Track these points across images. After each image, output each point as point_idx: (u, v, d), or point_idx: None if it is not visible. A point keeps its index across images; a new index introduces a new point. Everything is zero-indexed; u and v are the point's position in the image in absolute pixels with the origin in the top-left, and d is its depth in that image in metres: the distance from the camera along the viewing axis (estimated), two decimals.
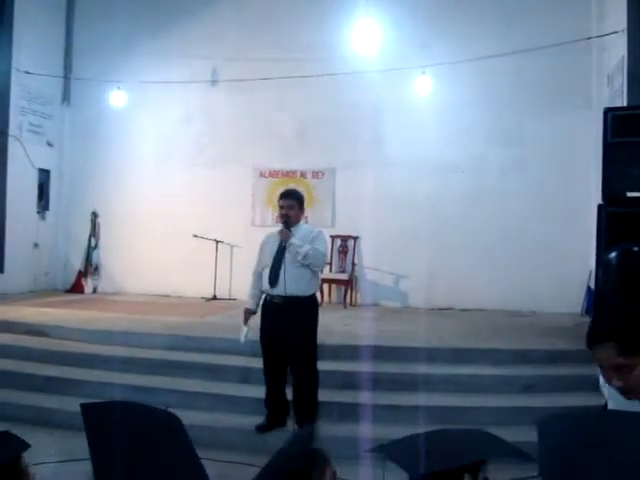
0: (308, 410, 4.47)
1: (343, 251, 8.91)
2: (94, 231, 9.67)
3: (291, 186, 6.66)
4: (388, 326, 6.86)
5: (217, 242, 9.04)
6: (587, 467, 1.23)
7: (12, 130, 8.78)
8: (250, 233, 8.24)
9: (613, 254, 4.94)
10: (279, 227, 4.71)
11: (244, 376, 5.32)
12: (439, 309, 8.31)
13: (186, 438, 1.42)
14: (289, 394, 4.63)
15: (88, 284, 9.56)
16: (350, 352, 5.49)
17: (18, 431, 1.47)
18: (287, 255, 4.49)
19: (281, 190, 4.97)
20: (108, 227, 9.66)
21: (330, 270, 8.64)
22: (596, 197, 5.97)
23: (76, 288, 9.47)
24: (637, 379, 1.86)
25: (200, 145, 9.42)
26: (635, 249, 4.90)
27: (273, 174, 9.27)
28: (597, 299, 5.67)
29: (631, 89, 6.51)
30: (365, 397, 4.78)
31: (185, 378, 5.37)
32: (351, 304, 8.69)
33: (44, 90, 9.38)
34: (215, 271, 8.98)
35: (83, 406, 1.45)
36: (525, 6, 8.33)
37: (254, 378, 5.03)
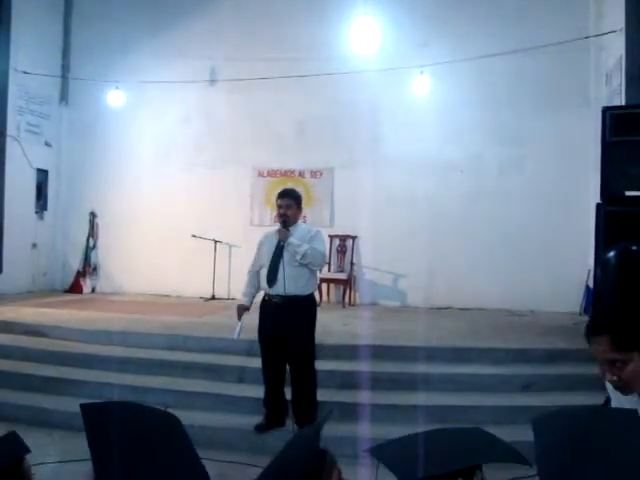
0: (307, 410, 4.47)
1: (342, 251, 8.91)
2: (92, 231, 9.67)
3: (289, 186, 6.65)
4: (387, 325, 6.85)
5: (215, 242, 9.04)
6: (584, 465, 1.23)
7: (10, 130, 8.77)
8: (248, 233, 8.23)
9: (612, 253, 4.96)
10: (277, 226, 4.71)
11: (243, 376, 5.32)
12: (438, 308, 8.31)
13: (186, 438, 1.41)
14: (288, 394, 4.63)
15: (86, 284, 9.56)
16: (349, 352, 5.49)
17: (16, 431, 1.47)
18: (285, 254, 4.49)
19: (279, 190, 4.98)
20: (106, 227, 9.65)
21: (329, 270, 8.64)
22: (595, 196, 5.97)
23: (74, 288, 9.47)
24: (631, 374, 1.87)
25: (199, 145, 9.41)
26: (634, 248, 4.92)
27: (271, 174, 9.27)
28: (596, 298, 5.68)
29: (629, 88, 6.52)
30: (364, 396, 4.77)
31: (184, 378, 5.37)
32: (350, 304, 8.69)
33: (42, 90, 9.36)
34: (214, 271, 8.98)
35: (83, 406, 1.45)
36: (523, 5, 8.34)
37: (253, 378, 5.03)
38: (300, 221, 4.81)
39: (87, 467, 1.46)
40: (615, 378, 1.90)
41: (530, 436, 1.33)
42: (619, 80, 6.79)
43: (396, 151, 8.74)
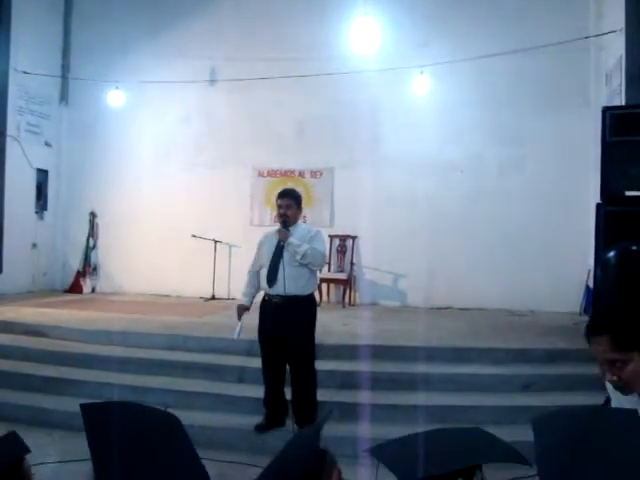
0: (307, 410, 4.47)
1: (342, 251, 8.91)
2: (92, 231, 9.67)
3: (289, 186, 6.65)
4: (387, 325, 6.85)
5: (216, 242, 9.04)
6: (584, 465, 1.23)
7: (10, 130, 8.77)
8: (248, 233, 8.23)
9: (612, 253, 4.96)
10: (277, 226, 4.71)
11: (243, 376, 5.32)
12: (438, 308, 8.31)
13: (186, 438, 1.41)
14: (288, 394, 4.63)
15: (86, 284, 9.56)
16: (349, 352, 5.49)
17: (16, 431, 1.47)
18: (285, 254, 4.49)
19: (279, 190, 4.98)
20: (106, 227, 9.65)
21: (329, 270, 8.64)
22: (595, 196, 5.97)
23: (74, 288, 9.46)
24: (631, 374, 1.87)
25: (199, 145, 9.41)
26: (634, 248, 4.92)
27: (271, 174, 9.27)
28: (596, 298, 5.68)
29: (629, 88, 6.52)
30: (364, 396, 4.77)
31: (184, 378, 5.37)
32: (350, 304, 8.69)
33: (42, 90, 9.36)
34: (214, 271, 8.98)
35: (83, 406, 1.44)
36: (523, 5, 8.34)
37: (253, 378, 5.02)
38: (300, 221, 4.81)
39: (87, 467, 1.46)
40: (615, 378, 1.90)
41: (530, 436, 1.33)
42: (619, 80, 6.79)
43: (396, 151, 8.74)
